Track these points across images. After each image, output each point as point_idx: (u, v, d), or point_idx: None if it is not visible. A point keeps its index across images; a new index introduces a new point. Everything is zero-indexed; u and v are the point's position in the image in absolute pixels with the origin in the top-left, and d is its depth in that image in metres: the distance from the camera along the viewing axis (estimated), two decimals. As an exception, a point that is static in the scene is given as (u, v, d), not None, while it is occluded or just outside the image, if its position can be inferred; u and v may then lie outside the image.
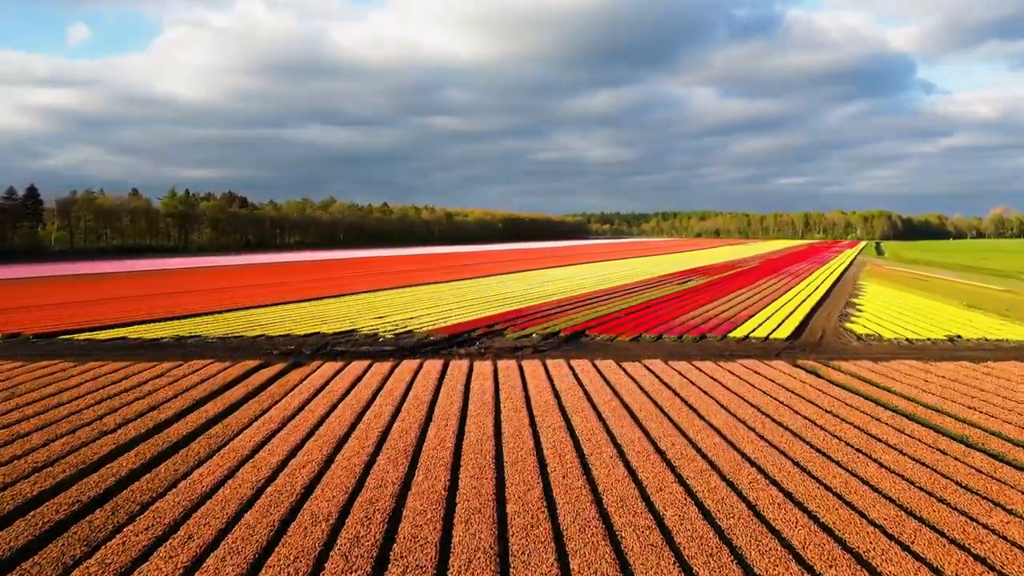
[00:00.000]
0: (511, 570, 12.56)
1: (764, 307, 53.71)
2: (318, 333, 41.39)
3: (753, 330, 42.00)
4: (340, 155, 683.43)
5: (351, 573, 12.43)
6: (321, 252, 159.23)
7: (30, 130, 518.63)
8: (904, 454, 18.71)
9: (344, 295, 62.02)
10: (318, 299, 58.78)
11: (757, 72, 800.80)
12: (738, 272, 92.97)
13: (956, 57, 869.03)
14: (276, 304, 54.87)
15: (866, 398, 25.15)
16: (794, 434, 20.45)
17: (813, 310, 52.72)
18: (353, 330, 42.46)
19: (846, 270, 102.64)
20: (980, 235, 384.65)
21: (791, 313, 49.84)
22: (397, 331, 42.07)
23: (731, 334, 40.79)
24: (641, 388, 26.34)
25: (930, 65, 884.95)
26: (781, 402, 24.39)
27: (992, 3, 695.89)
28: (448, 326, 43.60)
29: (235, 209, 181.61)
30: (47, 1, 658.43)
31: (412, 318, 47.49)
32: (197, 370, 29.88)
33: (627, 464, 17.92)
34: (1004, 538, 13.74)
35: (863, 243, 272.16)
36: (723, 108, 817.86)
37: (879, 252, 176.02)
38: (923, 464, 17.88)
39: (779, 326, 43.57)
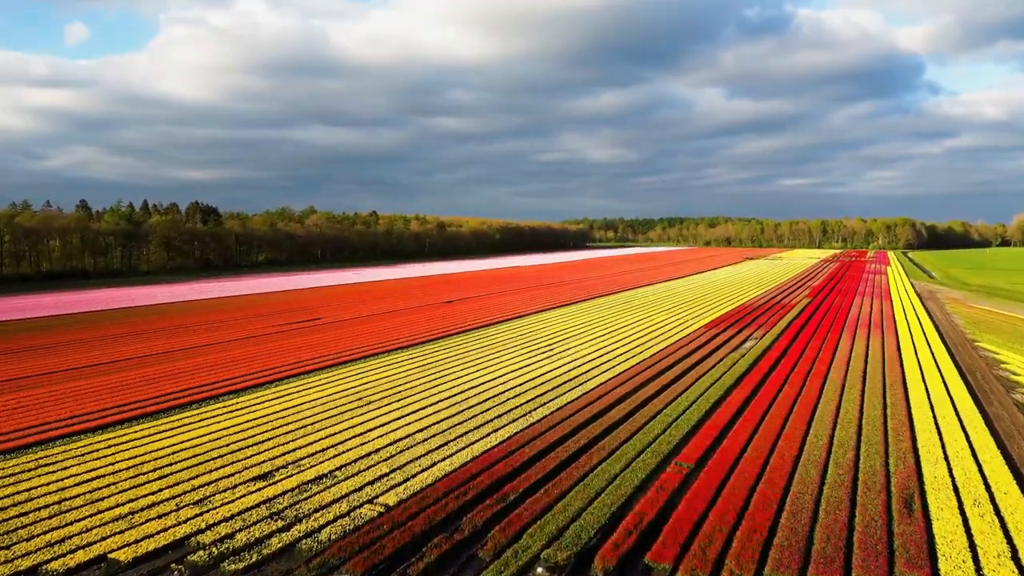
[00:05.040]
0: None
1: (912, 445, 32.89)
2: (103, 560, 20.49)
3: None
4: (341, 156, 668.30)
5: None
6: (286, 275, 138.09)
7: (28, 131, 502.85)
8: None
9: (230, 393, 40.55)
10: (181, 406, 37.44)
11: (765, 72, 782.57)
12: (801, 319, 71.96)
13: (966, 57, 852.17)
14: (105, 426, 33.30)
15: None
16: None
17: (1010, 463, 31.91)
18: (181, 543, 21.53)
19: (926, 308, 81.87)
20: (1006, 243, 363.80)
21: (988, 489, 29.10)
22: (267, 545, 21.20)
23: None
24: None
25: (939, 65, 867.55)
26: None
27: (1005, 2, 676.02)
28: (373, 523, 22.68)
29: (193, 225, 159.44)
30: (45, 0, 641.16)
31: (316, 480, 26.55)
32: None
33: None
34: None
35: (892, 254, 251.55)
36: (730, 108, 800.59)
37: (929, 275, 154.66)
38: None
39: None
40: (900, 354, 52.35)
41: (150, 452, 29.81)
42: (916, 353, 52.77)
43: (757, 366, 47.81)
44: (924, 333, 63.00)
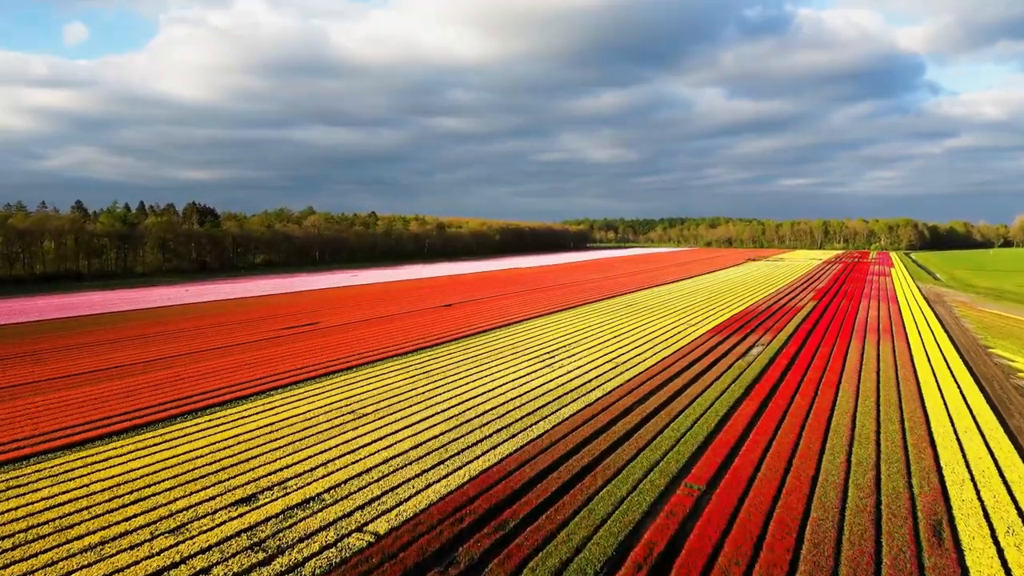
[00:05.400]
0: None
1: (935, 463, 31.29)
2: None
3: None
4: (341, 156, 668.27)
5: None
6: (283, 277, 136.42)
7: (28, 131, 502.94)
8: None
9: (216, 405, 38.95)
10: (165, 420, 35.67)
11: (765, 72, 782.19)
12: (808, 323, 70.26)
13: (966, 57, 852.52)
14: (83, 442, 31.35)
15: None
16: None
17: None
18: (151, 579, 19.86)
19: (935, 312, 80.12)
20: (1008, 243, 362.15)
21: (1020, 514, 27.48)
22: (245, 582, 19.57)
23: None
24: None
25: (940, 65, 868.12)
26: None
27: (1005, 2, 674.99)
28: (362, 554, 21.03)
29: (189, 226, 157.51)
30: (44, 0, 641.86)
31: (303, 504, 24.88)
32: None
33: None
34: None
35: (894, 256, 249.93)
36: (730, 108, 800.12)
37: (934, 277, 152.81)
38: None
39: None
40: (913, 362, 50.68)
41: (128, 472, 28.13)
42: (929, 361, 51.10)
43: (766, 374, 46.14)
44: (935, 339, 61.34)
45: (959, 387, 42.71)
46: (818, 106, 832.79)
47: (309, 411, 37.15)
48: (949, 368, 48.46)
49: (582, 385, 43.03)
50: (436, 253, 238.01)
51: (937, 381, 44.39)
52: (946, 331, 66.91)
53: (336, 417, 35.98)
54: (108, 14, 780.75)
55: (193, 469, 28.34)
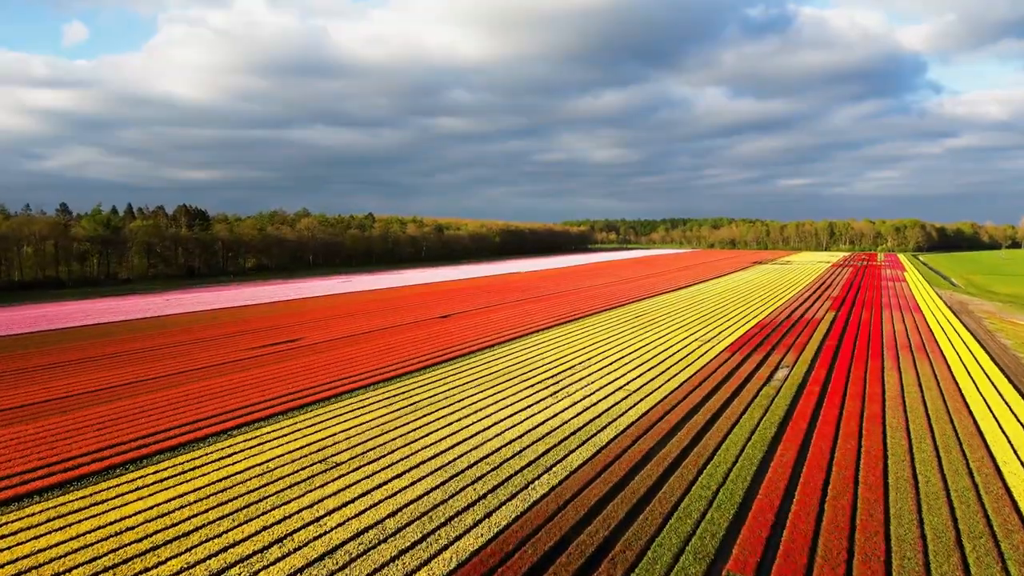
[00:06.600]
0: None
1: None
2: None
3: None
4: (342, 156, 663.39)
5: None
6: (273, 284, 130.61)
7: (27, 131, 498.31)
8: None
9: (161, 452, 33.48)
10: (96, 474, 30.00)
11: (767, 72, 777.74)
12: (831, 339, 64.73)
13: (969, 56, 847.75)
14: None
15: None
16: None
17: None
18: None
19: (964, 324, 74.63)
20: (1016, 244, 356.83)
21: None
22: None
23: None
24: None
25: (942, 64, 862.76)
26: None
27: (1009, 0, 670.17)
28: None
29: (177, 230, 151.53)
30: (42, 0, 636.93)
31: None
32: None
33: None
34: None
35: (903, 258, 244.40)
36: (732, 108, 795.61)
37: (951, 282, 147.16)
38: None
39: None
40: (960, 390, 45.20)
41: (34, 553, 22.66)
42: (978, 389, 45.59)
43: (798, 407, 40.64)
44: (976, 359, 55.82)
45: (1023, 425, 37.24)
46: (820, 106, 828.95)
47: (272, 459, 31.68)
48: (1003, 399, 42.97)
49: (592, 421, 37.58)
50: (434, 256, 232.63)
51: (995, 416, 38.91)
52: (984, 349, 61.38)
53: (303, 468, 30.51)
54: (107, 14, 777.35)
55: (116, 550, 22.87)
